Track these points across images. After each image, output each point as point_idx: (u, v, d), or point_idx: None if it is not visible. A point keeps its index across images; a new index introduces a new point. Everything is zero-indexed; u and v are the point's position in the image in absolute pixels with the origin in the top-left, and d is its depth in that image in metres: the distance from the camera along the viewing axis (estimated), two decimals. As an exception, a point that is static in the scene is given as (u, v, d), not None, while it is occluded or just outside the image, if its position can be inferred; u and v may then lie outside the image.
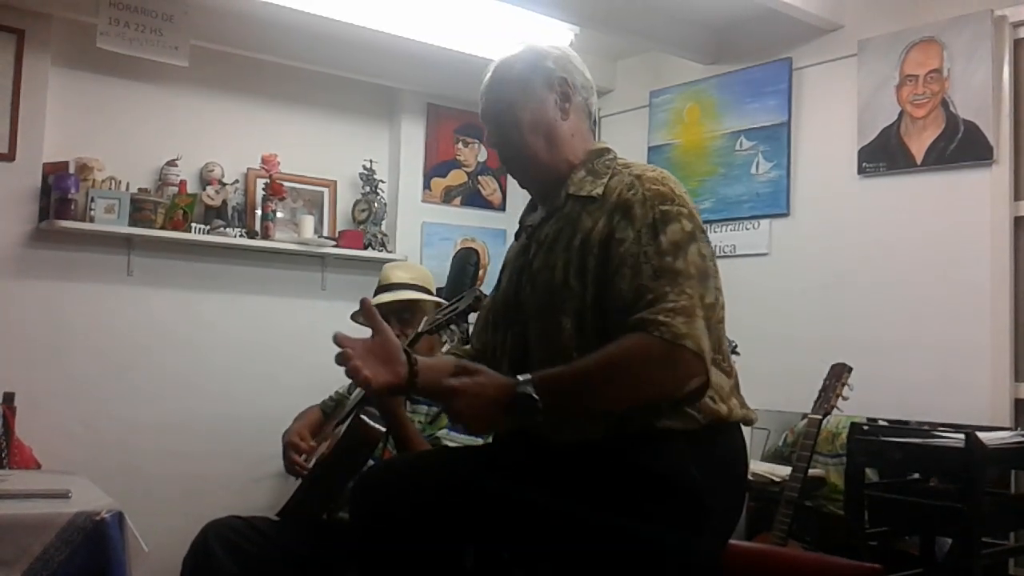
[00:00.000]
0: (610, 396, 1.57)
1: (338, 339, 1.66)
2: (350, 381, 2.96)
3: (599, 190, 1.73)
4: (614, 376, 1.55)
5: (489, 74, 1.86)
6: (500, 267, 2.01)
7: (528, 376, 1.55)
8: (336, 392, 3.06)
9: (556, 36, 3.73)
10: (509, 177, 4.70)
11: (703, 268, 1.63)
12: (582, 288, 1.65)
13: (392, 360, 1.68)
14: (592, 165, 1.79)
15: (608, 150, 1.84)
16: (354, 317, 2.91)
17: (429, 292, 2.95)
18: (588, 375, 1.56)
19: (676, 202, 1.67)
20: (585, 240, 1.68)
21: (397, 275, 2.96)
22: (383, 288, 2.95)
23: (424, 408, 2.69)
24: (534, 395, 1.52)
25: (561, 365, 1.61)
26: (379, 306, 2.83)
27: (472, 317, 2.19)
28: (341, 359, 1.63)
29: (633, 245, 1.62)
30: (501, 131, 1.83)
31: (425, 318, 2.52)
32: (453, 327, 2.39)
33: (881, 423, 2.85)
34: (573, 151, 1.81)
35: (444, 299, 3.05)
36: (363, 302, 1.72)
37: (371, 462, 2.50)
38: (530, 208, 1.92)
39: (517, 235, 1.93)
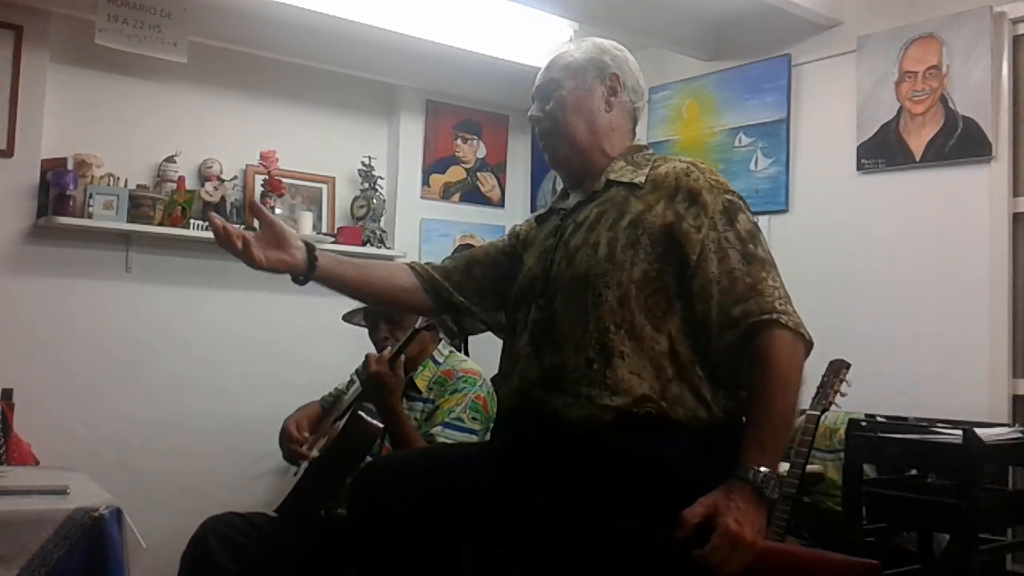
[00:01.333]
0: (793, 402, 1.61)
1: (209, 216, 1.72)
2: (348, 378, 2.99)
3: (641, 178, 1.78)
4: (791, 385, 1.60)
5: (548, 60, 1.92)
6: (509, 234, 2.05)
7: (741, 463, 1.56)
8: (336, 388, 3.06)
9: (555, 32, 3.74)
10: (507, 174, 4.75)
11: (773, 258, 1.72)
12: (630, 264, 1.68)
13: (285, 244, 1.75)
14: (632, 157, 1.85)
15: (646, 147, 1.91)
16: (346, 318, 2.92)
17: None
18: (773, 405, 1.59)
19: (736, 194, 1.75)
20: (637, 220, 1.71)
21: None
22: None
23: (420, 405, 2.69)
24: (764, 469, 1.54)
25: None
26: (367, 309, 2.84)
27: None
28: (221, 239, 1.67)
29: (711, 231, 1.67)
30: (545, 106, 1.88)
31: (421, 316, 2.52)
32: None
33: (879, 419, 2.84)
34: (611, 143, 1.87)
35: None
36: (255, 208, 1.82)
37: (368, 459, 2.50)
38: (562, 196, 1.96)
39: (541, 219, 1.97)
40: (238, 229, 1.72)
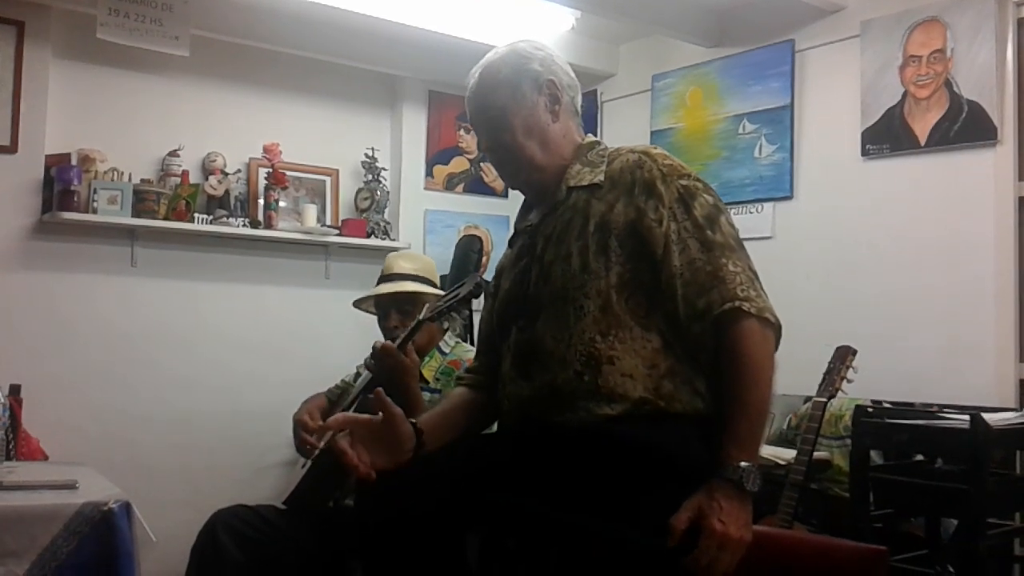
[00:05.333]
0: (767, 392, 1.59)
1: (332, 422, 1.62)
2: (355, 371, 3.00)
3: (599, 177, 1.74)
4: (762, 375, 1.58)
5: (475, 80, 1.85)
6: (495, 275, 1.99)
7: (721, 459, 1.54)
8: (342, 380, 3.07)
9: (557, 20, 3.73)
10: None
11: (737, 238, 1.69)
12: (605, 269, 1.66)
13: (398, 440, 1.66)
14: (586, 157, 1.81)
15: (597, 142, 1.86)
16: (356, 304, 2.93)
17: (432, 283, 2.94)
18: (747, 399, 1.58)
19: (691, 176, 1.72)
20: (602, 223, 1.69)
21: (400, 265, 2.95)
22: (385, 278, 2.95)
23: (427, 395, 2.69)
24: (743, 464, 1.53)
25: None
26: (379, 297, 2.85)
27: (474, 304, 2.18)
28: (342, 461, 1.58)
29: (671, 222, 1.65)
30: (494, 136, 1.82)
31: (427, 305, 2.52)
32: (454, 314, 2.38)
33: (886, 405, 2.85)
34: (566, 151, 1.82)
35: (448, 286, 3.05)
36: (376, 393, 1.68)
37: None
38: (524, 211, 1.92)
39: (512, 241, 1.93)
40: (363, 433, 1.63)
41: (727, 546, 1.51)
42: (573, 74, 1.87)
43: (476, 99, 1.84)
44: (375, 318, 2.94)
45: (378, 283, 2.96)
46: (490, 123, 1.82)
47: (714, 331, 1.60)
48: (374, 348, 2.56)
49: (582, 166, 1.79)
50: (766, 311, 1.60)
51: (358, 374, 2.96)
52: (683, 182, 1.69)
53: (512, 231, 1.95)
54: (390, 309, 2.81)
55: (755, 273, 1.66)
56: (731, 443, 1.56)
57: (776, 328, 1.62)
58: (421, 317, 2.49)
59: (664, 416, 1.62)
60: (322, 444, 2.66)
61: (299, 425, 2.76)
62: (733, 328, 1.59)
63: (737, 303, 1.58)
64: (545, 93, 1.81)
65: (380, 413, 1.66)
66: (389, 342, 2.55)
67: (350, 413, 1.69)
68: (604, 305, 1.65)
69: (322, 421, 2.76)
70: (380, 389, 1.68)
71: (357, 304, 2.98)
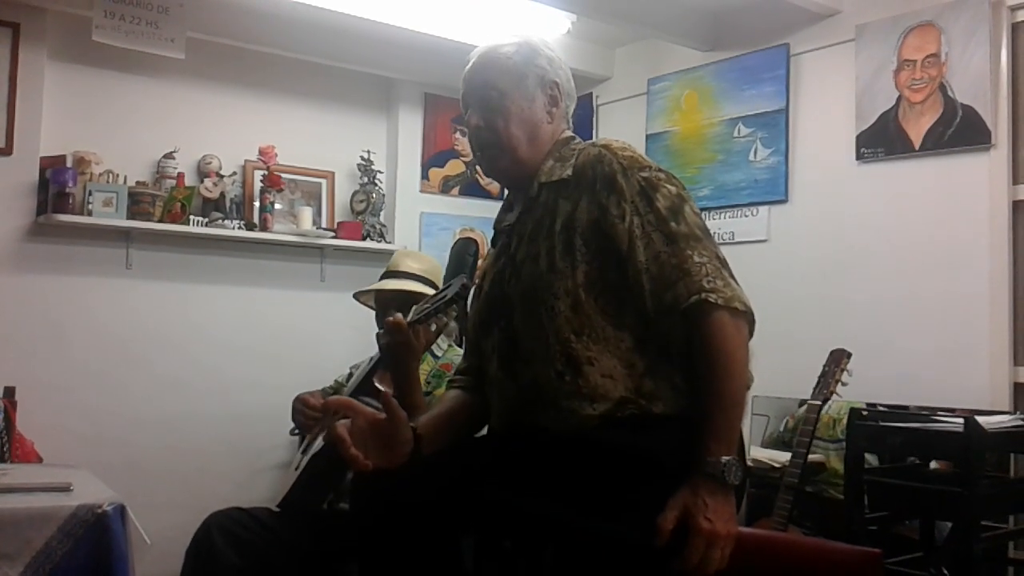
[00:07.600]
0: (742, 383, 1.58)
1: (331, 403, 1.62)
2: (348, 371, 2.99)
3: (568, 172, 1.74)
4: (734, 366, 1.57)
5: (478, 58, 1.84)
6: (479, 276, 1.99)
7: (702, 455, 1.54)
8: (336, 380, 3.07)
9: (553, 24, 3.73)
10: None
11: (703, 226, 1.67)
12: (571, 269, 1.65)
13: (397, 442, 1.66)
14: (559, 153, 1.80)
15: (573, 137, 1.85)
16: (356, 296, 2.94)
17: (436, 285, 2.93)
18: (721, 392, 1.56)
19: (652, 168, 1.70)
20: (567, 222, 1.68)
21: (407, 263, 2.95)
22: (390, 274, 2.94)
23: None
24: (726, 458, 1.53)
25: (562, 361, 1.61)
26: (381, 292, 2.85)
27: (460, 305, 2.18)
28: (341, 449, 1.57)
29: (634, 217, 1.64)
30: (487, 117, 1.80)
31: (413, 307, 2.51)
32: (442, 315, 2.37)
33: (880, 408, 2.85)
34: (548, 151, 1.82)
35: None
36: (384, 395, 1.67)
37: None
38: (505, 209, 1.92)
39: (494, 241, 1.93)
40: (364, 429, 1.62)
41: (716, 543, 1.51)
42: (574, 85, 1.89)
43: (478, 75, 1.83)
44: (371, 320, 2.93)
45: (381, 278, 2.95)
46: (487, 103, 1.81)
47: (683, 325, 1.59)
48: (387, 322, 2.51)
49: (554, 162, 1.79)
50: (734, 300, 1.58)
51: (351, 375, 2.95)
52: (644, 174, 1.67)
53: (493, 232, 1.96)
54: (391, 307, 2.81)
55: (723, 261, 1.65)
56: (710, 438, 1.55)
57: (747, 316, 1.60)
58: (408, 319, 2.48)
59: (649, 418, 1.61)
60: (316, 444, 2.67)
61: (301, 401, 2.75)
62: (702, 321, 1.57)
63: (704, 295, 1.57)
64: (547, 93, 1.82)
65: (384, 414, 1.65)
66: (401, 317, 2.51)
67: (352, 400, 1.68)
68: (574, 304, 1.64)
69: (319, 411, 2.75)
70: (389, 392, 1.67)
71: (357, 296, 2.98)
